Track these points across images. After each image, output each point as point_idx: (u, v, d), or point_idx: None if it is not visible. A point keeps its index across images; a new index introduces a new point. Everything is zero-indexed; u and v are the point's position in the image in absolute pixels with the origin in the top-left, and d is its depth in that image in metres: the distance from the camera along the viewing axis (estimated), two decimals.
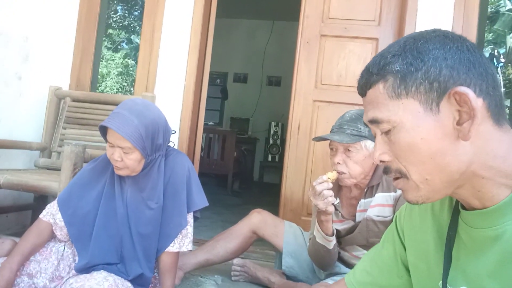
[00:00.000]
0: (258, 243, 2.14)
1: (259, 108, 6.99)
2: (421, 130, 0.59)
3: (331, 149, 1.51)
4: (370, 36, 2.38)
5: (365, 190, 1.54)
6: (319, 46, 2.43)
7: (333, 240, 1.53)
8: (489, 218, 0.61)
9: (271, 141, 6.62)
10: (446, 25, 2.18)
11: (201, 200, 1.52)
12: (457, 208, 0.68)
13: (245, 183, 5.81)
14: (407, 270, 0.80)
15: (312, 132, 2.42)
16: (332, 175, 1.40)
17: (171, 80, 2.44)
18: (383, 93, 0.62)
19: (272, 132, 6.62)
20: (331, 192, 1.37)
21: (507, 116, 0.63)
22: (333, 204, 1.41)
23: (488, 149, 0.60)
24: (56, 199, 1.50)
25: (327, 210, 1.40)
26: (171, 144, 1.58)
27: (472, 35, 2.18)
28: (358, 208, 1.56)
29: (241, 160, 5.55)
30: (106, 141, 1.40)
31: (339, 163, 1.46)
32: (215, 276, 1.96)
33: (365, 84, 0.65)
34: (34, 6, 2.38)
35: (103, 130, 1.39)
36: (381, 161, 0.65)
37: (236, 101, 7.04)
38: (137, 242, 1.44)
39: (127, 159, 1.36)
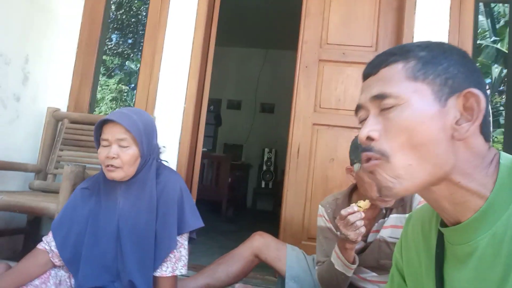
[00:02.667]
0: (258, 269, 2.09)
1: (252, 135, 7.01)
2: (426, 115, 0.61)
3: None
4: (367, 61, 2.41)
5: (381, 210, 1.52)
6: (318, 71, 2.47)
7: (354, 267, 1.49)
8: (463, 233, 0.63)
9: (264, 168, 6.60)
10: None
11: (195, 221, 1.48)
12: (441, 226, 0.69)
13: (238, 210, 5.74)
14: None
15: (311, 155, 2.41)
16: (365, 204, 1.33)
17: (171, 103, 2.44)
18: (400, 72, 0.64)
19: (265, 158, 6.61)
20: (362, 222, 1.32)
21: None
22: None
23: (471, 158, 0.62)
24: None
25: (356, 240, 1.37)
26: (164, 162, 1.56)
27: None
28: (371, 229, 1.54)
29: (235, 186, 5.50)
30: (98, 146, 1.39)
31: None
32: None
33: (380, 62, 0.67)
34: (36, 28, 2.40)
35: (97, 133, 1.39)
36: (367, 137, 0.64)
37: (229, 128, 7.06)
38: (131, 253, 1.39)
39: (124, 154, 1.34)
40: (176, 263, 1.45)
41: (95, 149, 2.29)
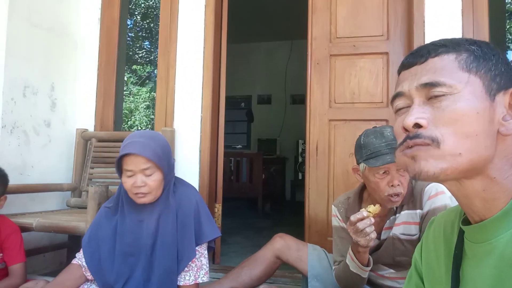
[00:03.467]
0: (286, 267, 2.13)
1: (285, 128, 7.01)
2: (479, 106, 0.61)
3: (384, 172, 1.41)
4: (380, 51, 2.38)
5: (391, 208, 1.51)
6: (330, 66, 2.45)
7: (369, 269, 1.50)
8: (485, 232, 0.63)
9: (300, 159, 6.60)
10: (455, 32, 2.15)
11: (211, 231, 1.56)
12: (463, 224, 0.69)
13: (276, 204, 5.79)
14: None
15: (330, 151, 2.41)
16: (374, 209, 1.31)
17: (189, 113, 2.53)
18: (453, 62, 0.64)
19: (300, 150, 6.60)
20: (372, 228, 1.32)
21: None
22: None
23: (510, 155, 0.63)
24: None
25: (368, 245, 1.38)
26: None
27: (484, 38, 2.13)
28: (384, 226, 1.54)
29: (270, 181, 5.56)
30: (120, 175, 1.47)
31: (399, 185, 1.41)
32: None
33: (428, 52, 0.66)
34: (57, 56, 2.56)
35: (118, 164, 1.46)
36: (415, 124, 0.63)
37: (262, 123, 7.11)
38: (161, 266, 1.50)
39: (151, 181, 1.42)
40: (197, 272, 1.54)
41: None
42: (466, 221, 0.69)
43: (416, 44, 2.21)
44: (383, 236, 1.54)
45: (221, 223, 2.62)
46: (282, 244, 1.94)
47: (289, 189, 6.86)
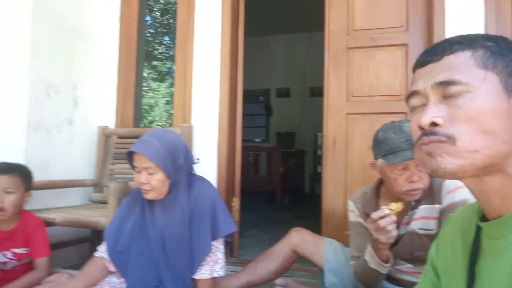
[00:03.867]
0: (303, 260, 2.14)
1: (304, 121, 6.99)
2: (497, 103, 0.61)
3: (403, 168, 1.39)
4: (399, 43, 2.34)
5: (410, 202, 1.50)
6: (347, 59, 2.42)
7: (388, 266, 1.49)
8: (502, 228, 0.63)
9: (319, 152, 6.56)
10: (477, 23, 2.09)
11: (227, 226, 1.59)
12: (480, 220, 0.69)
13: (295, 197, 5.79)
14: None
15: (348, 145, 2.39)
16: (397, 206, 1.29)
17: (206, 109, 2.55)
18: (469, 59, 0.63)
19: (319, 143, 6.57)
20: (394, 225, 1.31)
21: None
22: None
23: None
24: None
25: (388, 242, 1.37)
26: (196, 161, 1.69)
27: (507, 30, 2.07)
28: (402, 221, 1.53)
29: (288, 175, 5.56)
30: (133, 169, 1.53)
31: (418, 181, 1.40)
32: None
33: (443, 50, 0.66)
34: (79, 56, 2.63)
35: (130, 159, 1.52)
36: (431, 123, 0.63)
37: (280, 116, 7.10)
38: (173, 263, 1.54)
39: (153, 180, 1.47)
40: (213, 266, 1.57)
41: None
42: (484, 218, 0.68)
43: (436, 35, 2.16)
44: (401, 231, 1.52)
45: (239, 216, 2.64)
46: (298, 238, 1.94)
47: (308, 182, 6.85)
